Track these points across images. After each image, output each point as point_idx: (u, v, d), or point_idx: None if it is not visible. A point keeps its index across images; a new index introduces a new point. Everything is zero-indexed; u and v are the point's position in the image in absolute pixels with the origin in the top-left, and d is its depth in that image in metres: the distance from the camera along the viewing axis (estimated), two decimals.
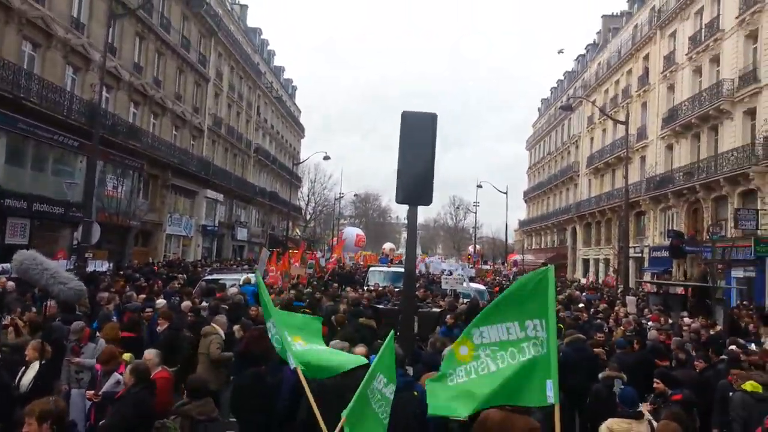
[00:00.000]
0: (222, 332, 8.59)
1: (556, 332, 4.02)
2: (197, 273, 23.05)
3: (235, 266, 31.41)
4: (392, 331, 5.21)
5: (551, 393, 3.77)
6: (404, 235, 74.49)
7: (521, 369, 3.99)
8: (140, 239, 31.69)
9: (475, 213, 67.31)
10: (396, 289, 17.51)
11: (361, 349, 6.14)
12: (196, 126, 38.18)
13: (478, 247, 63.77)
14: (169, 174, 33.30)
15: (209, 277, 19.62)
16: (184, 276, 20.75)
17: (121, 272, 20.04)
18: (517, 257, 61.00)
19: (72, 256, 20.62)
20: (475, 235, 69.74)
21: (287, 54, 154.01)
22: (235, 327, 9.52)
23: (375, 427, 4.53)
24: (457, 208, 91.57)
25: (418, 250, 73.92)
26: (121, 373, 6.33)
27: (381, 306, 9.09)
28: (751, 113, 26.25)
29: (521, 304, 4.16)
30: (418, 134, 7.00)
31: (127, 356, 6.73)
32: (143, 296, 12.57)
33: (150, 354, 6.28)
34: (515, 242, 78.22)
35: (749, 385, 7.00)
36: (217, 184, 40.45)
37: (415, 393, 5.38)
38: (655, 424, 5.45)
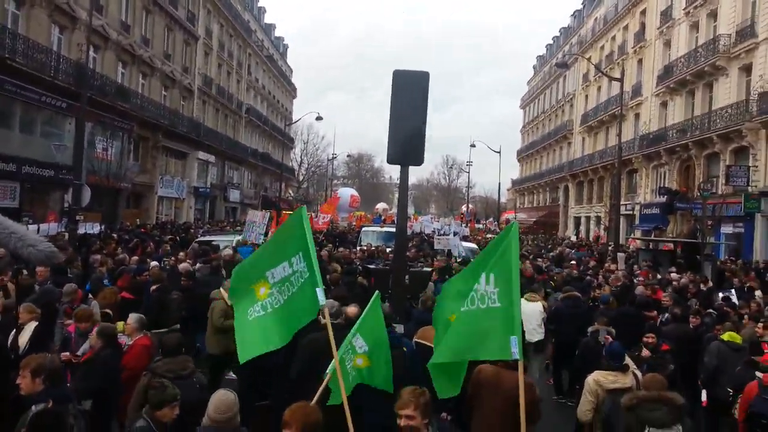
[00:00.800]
0: (227, 297, 8.55)
1: (519, 289, 3.99)
2: (190, 235, 23.06)
3: (228, 228, 31.44)
4: (377, 293, 5.26)
5: (516, 349, 3.81)
6: (397, 195, 74.64)
7: (478, 322, 4.05)
8: (132, 201, 31.59)
9: (468, 172, 67.35)
10: (388, 249, 17.61)
11: (352, 308, 6.20)
12: (185, 86, 37.59)
13: (471, 206, 63.98)
14: (159, 135, 32.95)
15: (202, 239, 19.64)
16: (176, 238, 20.73)
17: (114, 234, 20.01)
18: (510, 216, 61.33)
19: (63, 219, 20.57)
20: (468, 194, 69.89)
21: (278, 11, 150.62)
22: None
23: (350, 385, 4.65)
24: (451, 167, 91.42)
25: (411, 210, 74.17)
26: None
27: (372, 266, 9.14)
28: (747, 69, 26.05)
29: (485, 259, 4.23)
30: (410, 93, 6.92)
31: (120, 325, 6.52)
32: (136, 258, 12.58)
33: (130, 320, 6.22)
34: (508, 201, 78.43)
35: (727, 335, 7.21)
36: (209, 145, 40.10)
37: (404, 349, 5.47)
38: (640, 376, 5.58)
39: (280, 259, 4.64)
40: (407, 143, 6.85)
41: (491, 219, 60.54)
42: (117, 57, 28.68)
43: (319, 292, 4.42)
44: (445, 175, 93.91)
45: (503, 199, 72.36)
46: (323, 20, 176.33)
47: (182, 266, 10.69)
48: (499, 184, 57.00)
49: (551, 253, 24.16)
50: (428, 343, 5.46)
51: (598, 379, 5.52)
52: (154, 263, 11.38)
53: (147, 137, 32.05)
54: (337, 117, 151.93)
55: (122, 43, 28.77)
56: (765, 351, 6.52)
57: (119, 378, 5.50)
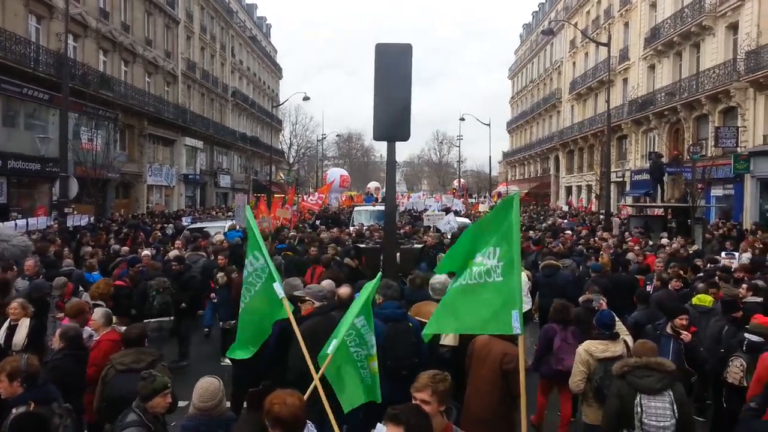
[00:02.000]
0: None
1: (521, 263, 4.00)
2: (181, 222, 22.98)
3: (220, 214, 31.33)
4: (380, 274, 5.27)
5: (517, 324, 3.79)
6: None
7: (482, 296, 4.02)
8: (121, 191, 31.36)
9: (459, 147, 67.17)
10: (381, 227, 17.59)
11: (344, 289, 6.20)
12: (169, 71, 37.07)
13: (463, 181, 63.86)
14: (145, 123, 32.58)
15: (193, 226, 19.60)
16: (172, 226, 20.66)
17: (101, 225, 19.90)
18: (502, 189, 61.31)
19: (53, 212, 20.40)
20: (460, 169, 69.72)
21: None
22: (219, 274, 9.56)
23: (352, 372, 4.65)
24: (441, 143, 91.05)
25: (404, 188, 74.04)
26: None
27: (363, 245, 9.09)
28: (734, 27, 25.87)
29: (489, 231, 4.16)
30: (394, 67, 6.79)
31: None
32: (126, 248, 12.52)
33: (95, 315, 6.10)
34: (500, 174, 78.33)
35: (696, 299, 7.28)
36: (196, 130, 39.73)
37: (411, 324, 5.58)
38: (630, 343, 5.61)
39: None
40: (393, 118, 6.75)
41: (486, 194, 60.56)
42: (97, 45, 28.19)
43: (276, 286, 4.63)
44: (435, 151, 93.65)
45: (495, 172, 72.28)
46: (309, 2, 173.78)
47: (171, 253, 10.66)
48: (490, 157, 56.91)
49: (544, 224, 24.25)
50: (423, 320, 5.51)
51: (588, 348, 5.55)
52: (145, 252, 11.34)
53: (132, 125, 31.68)
54: (327, 97, 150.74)
55: (102, 31, 28.26)
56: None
57: (81, 380, 5.34)
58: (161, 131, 35.17)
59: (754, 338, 5.78)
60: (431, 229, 17.50)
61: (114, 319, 6.50)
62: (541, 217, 31.79)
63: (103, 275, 9.92)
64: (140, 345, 5.05)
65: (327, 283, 6.46)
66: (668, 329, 6.21)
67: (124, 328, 5.66)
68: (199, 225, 20.05)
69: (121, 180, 29.75)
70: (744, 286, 7.92)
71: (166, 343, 9.07)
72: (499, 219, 4.10)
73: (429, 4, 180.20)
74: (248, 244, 5.05)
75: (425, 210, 28.58)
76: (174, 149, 38.07)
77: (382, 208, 22.72)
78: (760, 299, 7.36)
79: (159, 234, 16.92)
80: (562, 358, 6.25)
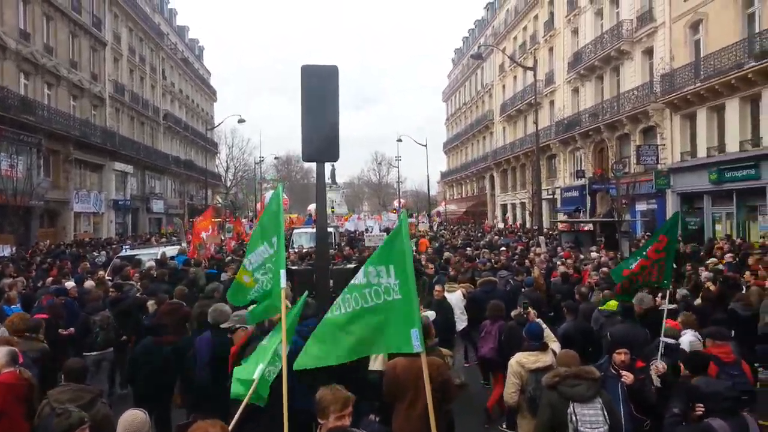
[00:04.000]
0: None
1: (414, 279, 4.00)
2: (114, 251, 22.11)
3: (153, 241, 30.32)
4: (306, 293, 5.22)
5: (417, 342, 3.82)
6: (328, 195, 74.33)
7: (381, 315, 4.00)
8: (46, 219, 29.86)
9: (398, 167, 67.82)
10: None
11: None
12: (95, 94, 35.84)
13: (403, 201, 64.47)
14: (70, 148, 31.28)
15: (124, 254, 18.88)
16: (104, 253, 19.84)
17: (21, 257, 18.86)
18: (441, 208, 62.30)
19: None
20: (399, 189, 70.38)
21: (192, 12, 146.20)
22: (150, 302, 9.23)
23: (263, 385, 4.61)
24: (380, 163, 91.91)
25: (345, 209, 74.03)
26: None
27: (294, 267, 9.00)
28: (649, 52, 27.52)
29: (385, 250, 4.15)
30: (321, 88, 6.81)
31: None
32: (50, 279, 11.93)
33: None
34: (439, 193, 79.63)
35: (605, 305, 7.75)
36: (125, 155, 38.44)
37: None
38: (557, 350, 5.78)
39: (256, 244, 5.15)
40: (322, 139, 6.76)
41: (424, 213, 61.30)
42: (17, 67, 26.97)
43: (282, 273, 4.76)
44: (375, 172, 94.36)
45: (433, 192, 73.39)
46: (244, 25, 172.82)
47: (87, 284, 10.30)
48: (428, 176, 57.72)
49: (481, 242, 24.78)
50: None
51: (520, 360, 5.68)
52: (70, 283, 10.80)
53: (57, 150, 30.34)
54: (267, 120, 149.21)
55: (22, 53, 27.08)
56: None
57: None
58: (89, 156, 33.84)
59: (669, 341, 6.12)
60: (371, 249, 17.57)
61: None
62: (479, 235, 32.53)
63: (25, 309, 9.38)
64: (81, 381, 4.81)
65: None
66: (611, 369, 5.39)
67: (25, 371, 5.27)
68: (130, 252, 19.33)
69: (45, 207, 28.35)
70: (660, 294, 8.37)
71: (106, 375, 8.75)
72: (392, 237, 4.15)
73: (368, 29, 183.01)
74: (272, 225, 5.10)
75: (367, 230, 28.68)
76: (103, 174, 36.66)
77: None
78: (673, 306, 7.79)
79: (87, 264, 16.19)
80: (481, 346, 7.69)
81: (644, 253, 6.79)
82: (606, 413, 4.60)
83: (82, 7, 33.74)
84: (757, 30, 20.28)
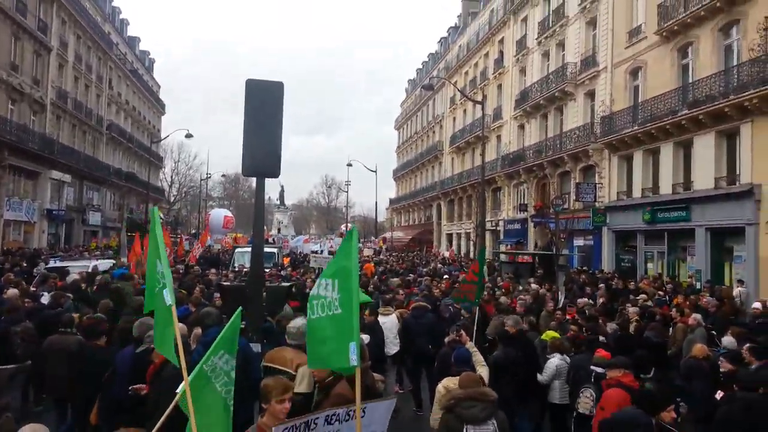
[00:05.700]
0: None
1: (358, 295, 4.02)
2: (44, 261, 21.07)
3: (86, 253, 29.18)
4: (239, 309, 5.10)
5: (354, 356, 3.78)
6: (276, 215, 73.50)
7: (326, 330, 4.01)
8: None
9: (347, 192, 67.98)
10: (266, 269, 17.21)
11: (197, 330, 5.99)
12: (36, 100, 34.48)
13: (350, 225, 64.45)
14: (5, 153, 29.86)
15: (53, 265, 18.12)
16: (19, 266, 18.82)
17: None
18: (388, 235, 62.57)
19: None
20: (347, 213, 70.46)
21: (144, 23, 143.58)
22: (75, 314, 8.85)
23: (215, 404, 4.42)
24: (329, 187, 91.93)
25: (292, 231, 73.36)
26: None
27: (226, 284, 8.82)
28: (591, 95, 28.75)
29: (329, 264, 4.24)
30: (264, 103, 6.77)
31: None
32: None
33: None
34: (386, 220, 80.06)
35: (545, 335, 8.03)
36: (64, 163, 36.96)
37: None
38: (485, 375, 5.84)
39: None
40: (262, 155, 6.70)
41: (372, 238, 61.44)
42: None
43: (167, 293, 4.28)
44: (324, 195, 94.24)
45: (381, 218, 73.80)
46: (209, 43, 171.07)
47: (10, 292, 9.83)
48: (376, 203, 58.25)
49: (425, 269, 24.99)
50: (276, 366, 5.26)
51: (447, 385, 5.70)
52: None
53: None
54: (218, 137, 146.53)
55: None
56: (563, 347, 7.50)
57: None
58: (24, 162, 32.37)
59: (599, 369, 6.28)
60: (316, 270, 17.46)
61: None
62: (424, 262, 32.79)
63: None
64: None
65: (180, 327, 6.19)
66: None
67: None
68: (60, 264, 18.53)
69: None
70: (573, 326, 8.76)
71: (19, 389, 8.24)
72: (339, 251, 4.18)
73: (329, 55, 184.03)
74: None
75: (315, 252, 28.54)
76: (38, 183, 35.10)
77: (266, 249, 22.48)
78: (603, 339, 8.04)
79: (12, 275, 15.36)
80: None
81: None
82: None
83: (28, 10, 32.63)
84: (690, 80, 21.53)
